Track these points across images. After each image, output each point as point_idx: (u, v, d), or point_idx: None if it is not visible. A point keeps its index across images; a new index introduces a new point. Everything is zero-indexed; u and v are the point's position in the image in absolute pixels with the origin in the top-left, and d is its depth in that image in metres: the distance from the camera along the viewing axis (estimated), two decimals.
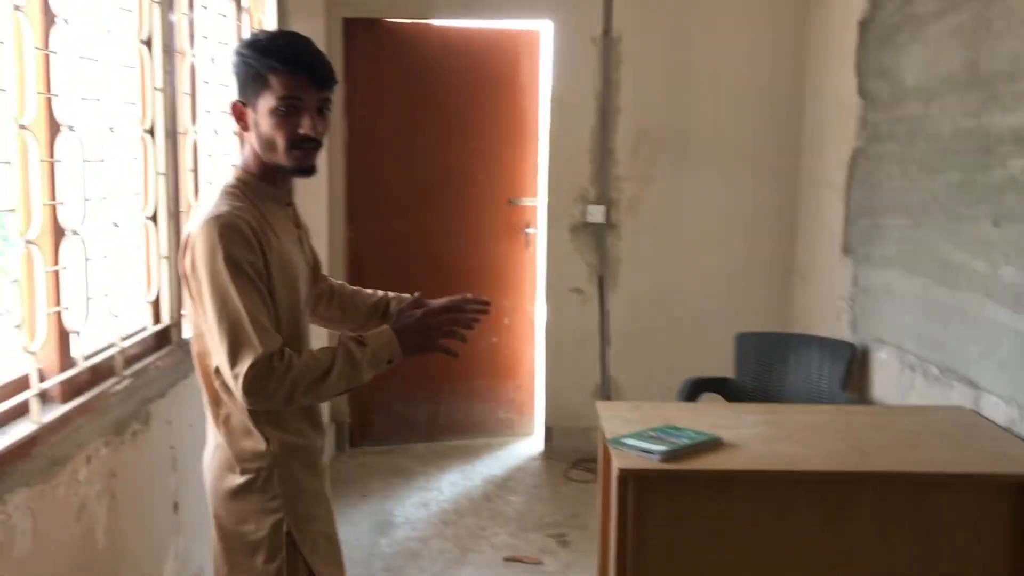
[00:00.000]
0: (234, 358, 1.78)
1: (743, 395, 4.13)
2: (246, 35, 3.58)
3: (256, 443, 1.93)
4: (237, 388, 1.80)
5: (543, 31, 5.11)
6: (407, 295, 2.28)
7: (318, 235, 4.71)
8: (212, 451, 2.02)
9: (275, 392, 1.80)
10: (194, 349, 1.98)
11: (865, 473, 2.66)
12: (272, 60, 1.84)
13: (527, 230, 5.28)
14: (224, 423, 1.96)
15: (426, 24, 5.10)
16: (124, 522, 2.45)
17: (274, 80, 1.84)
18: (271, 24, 3.90)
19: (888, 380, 3.79)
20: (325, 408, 4.98)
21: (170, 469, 2.80)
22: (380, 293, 2.35)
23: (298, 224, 2.11)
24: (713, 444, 2.79)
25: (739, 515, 2.69)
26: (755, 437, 2.89)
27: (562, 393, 5.18)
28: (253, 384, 1.78)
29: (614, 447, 2.78)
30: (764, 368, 4.19)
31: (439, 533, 4.16)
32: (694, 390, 4.03)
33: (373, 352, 1.92)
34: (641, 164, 5.00)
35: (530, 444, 5.34)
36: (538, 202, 5.30)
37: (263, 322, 1.80)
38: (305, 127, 1.87)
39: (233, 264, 1.79)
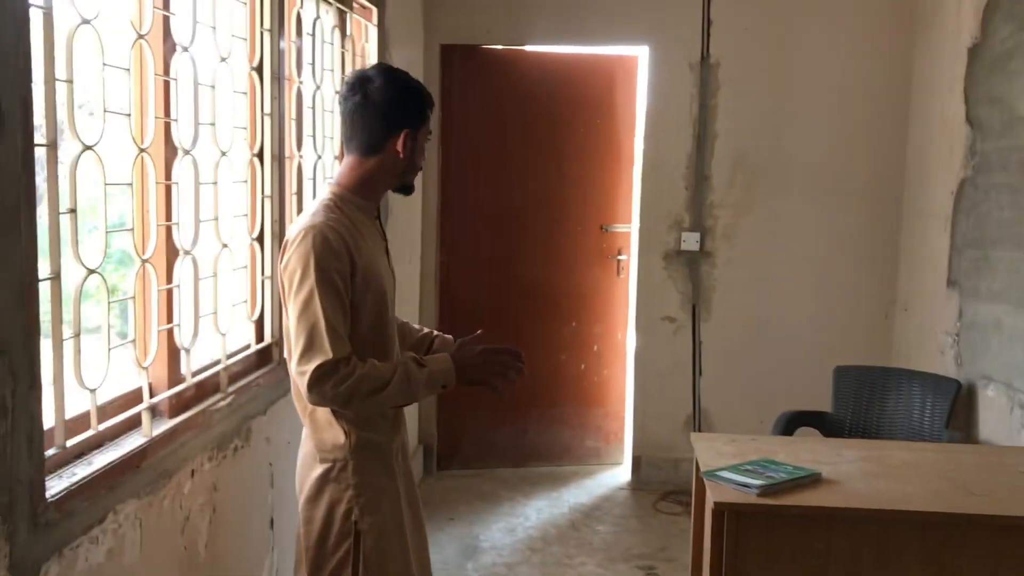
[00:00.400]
0: (304, 357, 1.96)
1: (840, 430, 4.02)
2: (352, 63, 3.67)
3: (335, 436, 2.11)
4: (302, 384, 1.97)
5: (640, 57, 5.10)
6: (449, 336, 2.50)
7: (410, 259, 4.79)
8: (302, 443, 2.21)
9: (334, 395, 1.97)
10: (287, 348, 2.11)
11: (973, 516, 2.55)
12: (429, 100, 2.18)
13: (619, 257, 5.26)
14: (310, 415, 2.14)
15: (522, 50, 5.15)
16: (224, 536, 2.51)
17: (428, 117, 2.19)
18: (373, 51, 3.99)
19: (996, 419, 3.63)
20: (413, 430, 5.03)
21: (267, 486, 2.86)
22: (426, 330, 2.54)
23: (384, 236, 2.30)
24: (812, 480, 2.72)
25: (838, 554, 2.60)
26: (855, 474, 2.80)
27: (651, 423, 5.12)
28: (315, 383, 1.95)
29: (709, 479, 2.73)
30: (863, 403, 4.07)
31: (526, 560, 4.14)
32: (790, 424, 3.93)
33: (431, 374, 2.08)
34: (737, 191, 4.93)
35: (617, 474, 5.28)
36: (631, 228, 5.28)
37: (337, 329, 1.97)
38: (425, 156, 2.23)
39: (321, 271, 1.98)
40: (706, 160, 4.93)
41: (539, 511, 4.71)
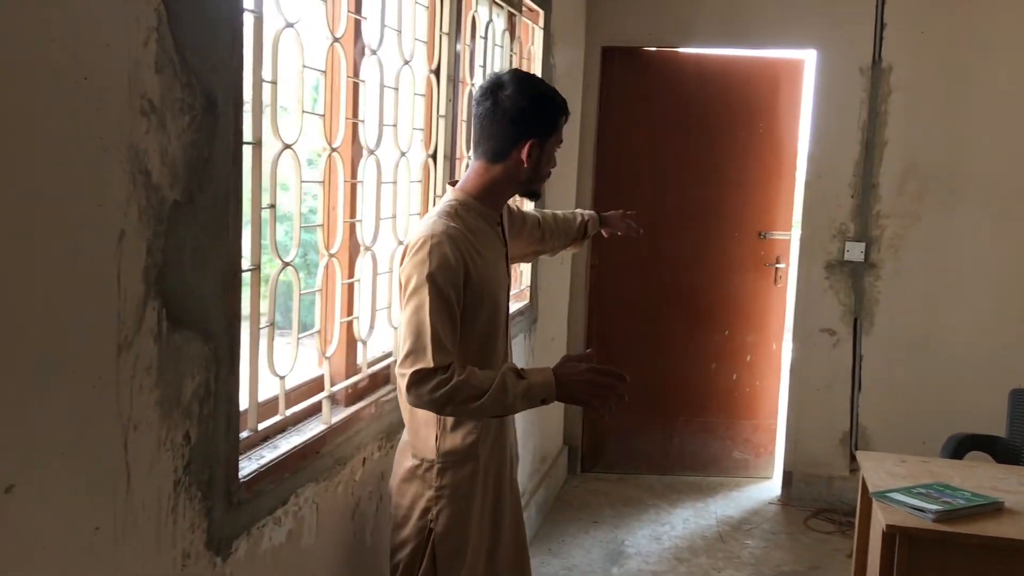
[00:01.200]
0: (407, 360, 1.99)
1: (1015, 457, 3.78)
2: (519, 65, 3.71)
3: (428, 437, 2.16)
4: (400, 386, 2.02)
5: (807, 61, 4.96)
6: (597, 215, 2.88)
7: (561, 261, 4.80)
8: (404, 432, 2.26)
9: (429, 399, 1.99)
10: (395, 347, 2.20)
11: None
12: (561, 109, 2.15)
13: (777, 265, 5.12)
14: (410, 411, 2.18)
15: (682, 53, 5.09)
16: (388, 525, 2.58)
17: (560, 125, 2.16)
18: (538, 53, 4.03)
19: None
20: (558, 431, 5.05)
21: None
22: (578, 216, 2.78)
23: (505, 242, 2.27)
24: (994, 508, 2.58)
25: None
26: None
27: (805, 438, 4.96)
28: (412, 387, 1.98)
29: (880, 501, 2.62)
30: None
31: (672, 569, 4.09)
32: (960, 447, 3.73)
33: (529, 387, 2.04)
34: (906, 201, 4.72)
35: (767, 488, 5.14)
36: (790, 236, 5.13)
37: (443, 339, 1.98)
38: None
39: (435, 282, 1.99)
40: (874, 168, 4.74)
41: (685, 520, 4.65)
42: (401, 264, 2.07)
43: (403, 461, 2.22)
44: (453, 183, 2.22)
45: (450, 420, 2.13)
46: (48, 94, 1.24)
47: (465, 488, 2.16)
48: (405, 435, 2.24)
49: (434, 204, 2.85)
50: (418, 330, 1.97)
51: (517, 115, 2.07)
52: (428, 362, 1.95)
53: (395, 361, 2.12)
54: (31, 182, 1.23)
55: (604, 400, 2.09)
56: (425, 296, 1.97)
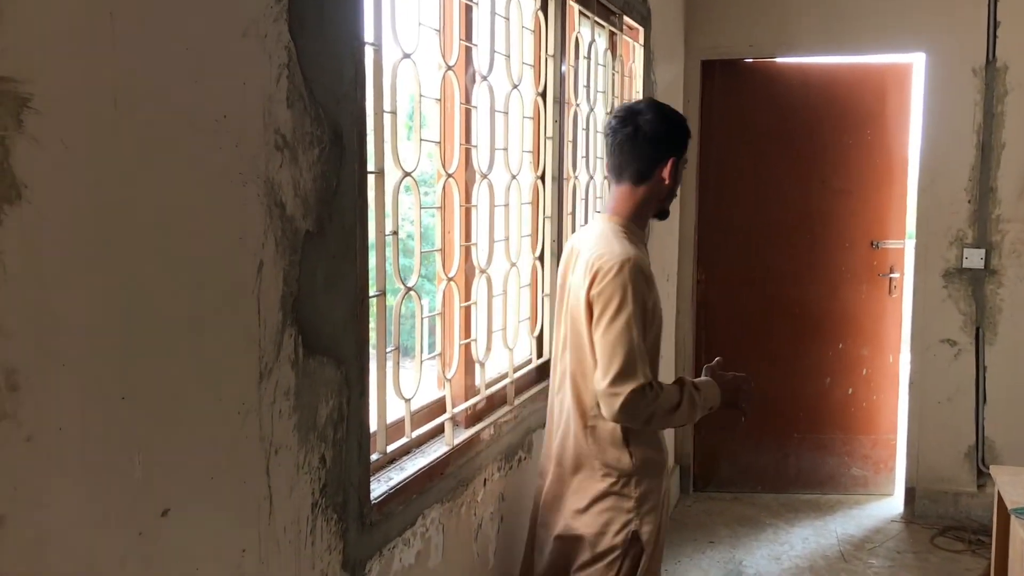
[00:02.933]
0: (620, 379, 2.08)
1: None
2: (621, 84, 3.72)
3: (622, 452, 2.24)
4: (613, 404, 2.09)
5: (915, 64, 4.82)
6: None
7: (668, 277, 4.76)
8: (569, 461, 2.29)
9: (641, 415, 2.12)
10: (570, 366, 2.26)
11: None
12: (689, 131, 2.35)
13: (891, 275, 4.97)
14: (591, 433, 2.25)
15: (783, 63, 5.01)
16: (509, 544, 2.59)
17: (687, 147, 2.33)
18: (639, 71, 4.02)
19: None
20: (670, 450, 4.99)
21: None
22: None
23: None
24: None
25: None
26: None
27: (928, 453, 4.77)
28: (629, 405, 2.08)
29: (1020, 517, 2.51)
30: None
31: None
32: None
33: (704, 398, 2.26)
34: None
35: (888, 505, 4.96)
36: (904, 245, 4.98)
37: (646, 355, 2.14)
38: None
39: (640, 301, 2.13)
40: (991, 171, 4.56)
41: (805, 540, 4.52)
42: (592, 287, 2.16)
43: (589, 486, 2.26)
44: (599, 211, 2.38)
45: (639, 433, 2.24)
46: (191, 134, 1.30)
47: (656, 494, 2.29)
48: (577, 461, 2.28)
49: (543, 225, 2.87)
50: (627, 348, 2.09)
51: (657, 137, 2.25)
52: (640, 379, 2.08)
53: (580, 376, 2.23)
54: (179, 221, 1.29)
55: (749, 401, 2.37)
56: (630, 315, 2.11)
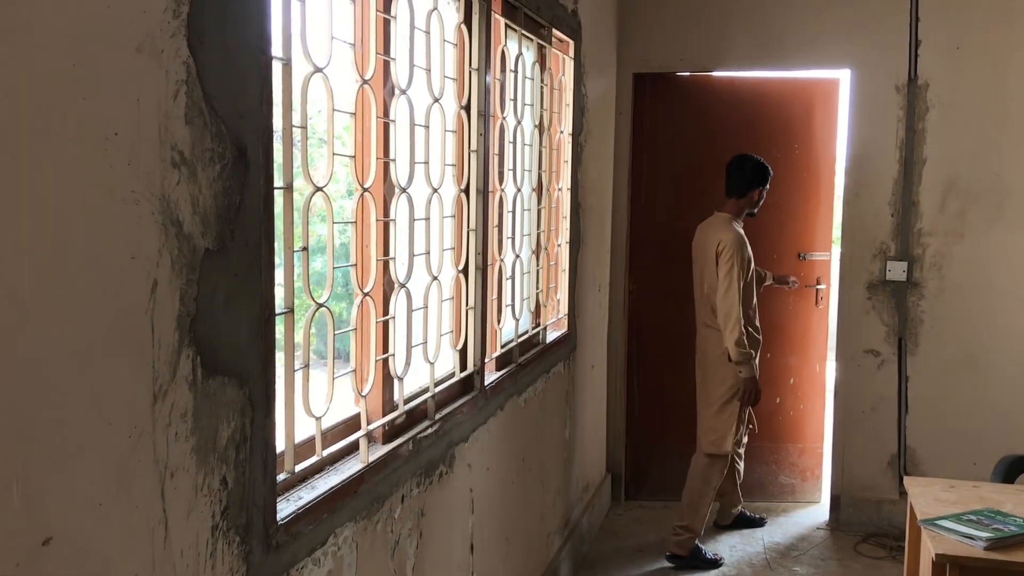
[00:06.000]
0: (727, 317, 4.20)
1: None
2: (550, 96, 3.73)
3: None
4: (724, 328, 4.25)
5: (842, 80, 4.92)
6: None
7: (600, 287, 4.79)
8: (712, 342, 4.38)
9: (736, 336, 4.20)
10: (705, 293, 4.36)
11: None
12: (769, 173, 4.34)
13: (818, 286, 5.06)
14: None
15: (715, 76, 5.08)
16: (429, 561, 2.57)
17: (768, 180, 4.32)
18: (569, 83, 4.04)
19: None
20: (600, 457, 5.01)
21: (468, 511, 2.91)
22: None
23: None
24: None
25: None
26: None
27: (852, 461, 4.87)
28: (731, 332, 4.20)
29: (929, 528, 2.57)
30: None
31: None
32: (1012, 469, 3.63)
33: (750, 356, 4.24)
34: (948, 219, 4.65)
35: (814, 513, 5.06)
36: (830, 256, 5.08)
37: (738, 300, 4.17)
38: None
39: (741, 260, 4.17)
40: (914, 185, 4.68)
41: (732, 548, 4.58)
42: (718, 251, 4.19)
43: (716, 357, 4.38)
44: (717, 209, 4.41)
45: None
46: (78, 152, 1.27)
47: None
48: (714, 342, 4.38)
49: (467, 238, 2.87)
50: (730, 291, 4.15)
51: (753, 174, 4.30)
52: (737, 311, 4.16)
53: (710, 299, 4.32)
54: (64, 239, 1.25)
55: (749, 399, 4.30)
56: (735, 270, 4.15)
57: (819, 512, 5.04)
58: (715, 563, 4.35)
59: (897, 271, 4.71)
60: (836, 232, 5.04)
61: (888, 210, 4.72)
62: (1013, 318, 4.59)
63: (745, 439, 4.57)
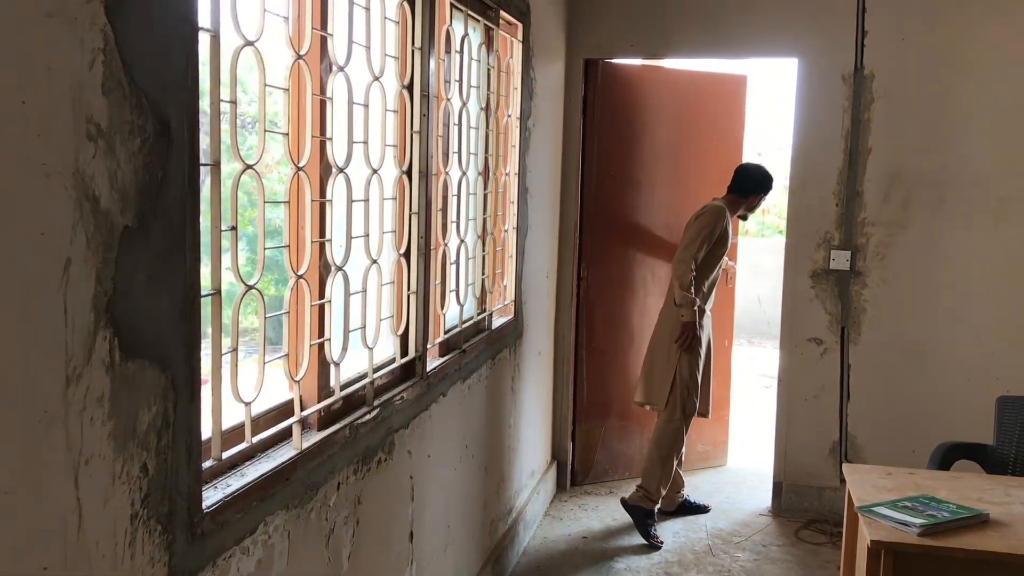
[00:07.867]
0: (679, 263, 4.42)
1: (1004, 465, 3.73)
2: (497, 79, 3.68)
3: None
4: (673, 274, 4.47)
5: (748, 76, 5.18)
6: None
7: (548, 274, 4.77)
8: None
9: (687, 281, 4.42)
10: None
11: None
12: (771, 183, 4.62)
13: (728, 263, 5.17)
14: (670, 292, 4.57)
15: (654, 66, 5.23)
16: (366, 549, 2.53)
17: (769, 189, 4.59)
18: (517, 67, 4.00)
19: None
20: (546, 445, 5.01)
21: (408, 499, 2.87)
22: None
23: (735, 229, 4.83)
24: (979, 521, 2.54)
25: None
26: None
27: (795, 449, 4.92)
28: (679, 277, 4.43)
29: (865, 515, 2.58)
30: None
31: None
32: (948, 456, 3.68)
33: (693, 303, 4.45)
34: (892, 209, 4.70)
35: (757, 499, 5.10)
36: (736, 240, 5.32)
37: (698, 257, 4.41)
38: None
39: (712, 230, 4.44)
40: (858, 176, 4.72)
41: (675, 534, 4.60)
42: (696, 218, 4.53)
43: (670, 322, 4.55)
44: (717, 198, 4.68)
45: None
46: None
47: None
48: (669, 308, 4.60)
49: (409, 221, 2.82)
50: (687, 247, 4.43)
51: (760, 181, 4.59)
52: (689, 264, 4.42)
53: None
54: None
55: (685, 342, 4.48)
56: (704, 230, 4.43)
57: (762, 499, 5.08)
58: (654, 545, 4.38)
59: (841, 260, 4.75)
60: (781, 220, 5.07)
61: (833, 200, 4.76)
62: (953, 307, 4.66)
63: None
